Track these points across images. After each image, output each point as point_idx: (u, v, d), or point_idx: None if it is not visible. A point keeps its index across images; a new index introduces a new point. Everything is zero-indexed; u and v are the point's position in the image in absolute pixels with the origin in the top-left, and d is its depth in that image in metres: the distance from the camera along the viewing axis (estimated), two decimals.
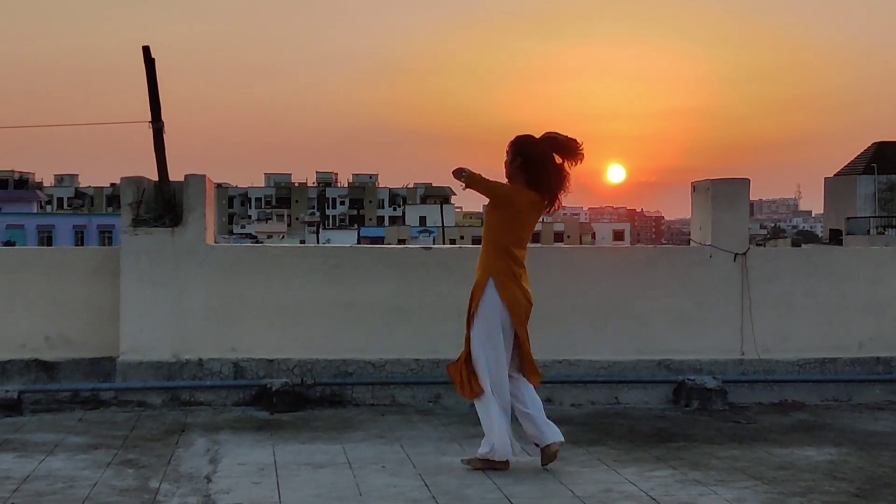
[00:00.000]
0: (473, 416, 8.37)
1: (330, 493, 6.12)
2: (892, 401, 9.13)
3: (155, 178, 9.06)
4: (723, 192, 9.25)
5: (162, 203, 8.89)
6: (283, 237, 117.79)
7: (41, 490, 6.16)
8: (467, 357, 6.81)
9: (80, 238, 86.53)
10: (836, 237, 50.01)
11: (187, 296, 8.87)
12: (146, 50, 8.80)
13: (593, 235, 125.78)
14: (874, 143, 57.60)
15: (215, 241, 9.38)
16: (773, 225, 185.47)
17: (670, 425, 8.20)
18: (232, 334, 8.90)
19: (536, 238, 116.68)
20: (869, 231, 48.44)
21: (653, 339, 9.13)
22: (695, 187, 9.63)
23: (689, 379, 8.90)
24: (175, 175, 9.00)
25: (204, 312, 8.88)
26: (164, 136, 8.94)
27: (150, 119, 8.85)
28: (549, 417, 8.40)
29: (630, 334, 9.08)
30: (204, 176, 8.96)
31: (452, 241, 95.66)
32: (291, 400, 8.61)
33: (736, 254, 9.17)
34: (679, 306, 9.16)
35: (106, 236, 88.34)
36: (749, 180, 9.30)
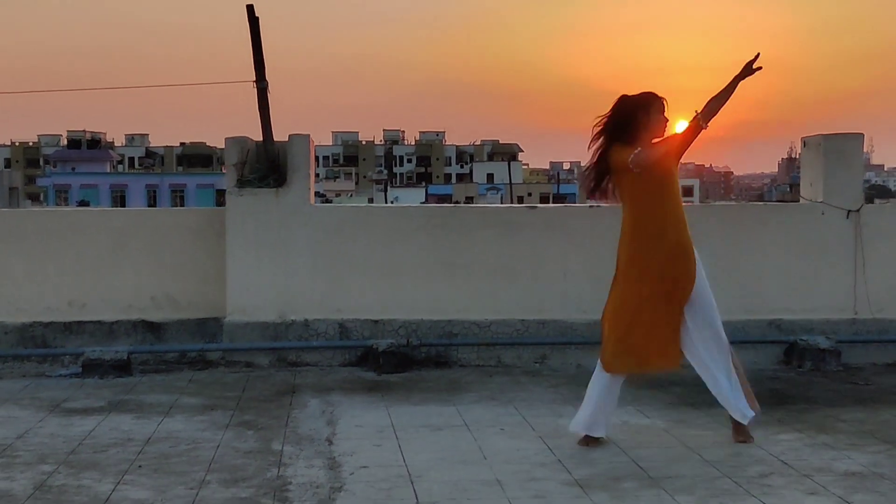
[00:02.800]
0: (581, 377, 8.27)
1: (454, 457, 6.06)
2: None
3: (257, 137, 9.03)
4: (835, 148, 9.01)
5: (266, 163, 8.85)
6: (350, 195, 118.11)
7: (166, 452, 6.17)
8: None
9: (152, 198, 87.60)
10: None
11: (292, 256, 8.85)
12: (250, 9, 8.72)
13: None
14: None
15: None
16: None
17: (786, 387, 8.04)
18: (337, 295, 8.87)
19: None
20: None
21: (763, 298, 8.95)
22: (805, 143, 9.39)
23: (801, 339, 8.71)
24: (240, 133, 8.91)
25: (309, 273, 8.86)
26: (269, 95, 8.88)
27: (254, 78, 8.79)
28: (655, 378, 8.29)
29: (740, 294, 8.89)
30: (308, 136, 8.92)
31: (520, 199, 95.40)
32: (398, 361, 8.58)
33: (849, 210, 8.94)
34: (790, 265, 8.97)
35: (178, 196, 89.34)
36: (863, 135, 9.04)
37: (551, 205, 10.29)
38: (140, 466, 5.86)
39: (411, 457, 6.06)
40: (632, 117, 6.28)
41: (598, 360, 6.39)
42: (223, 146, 9.07)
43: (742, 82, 6.21)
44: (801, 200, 9.41)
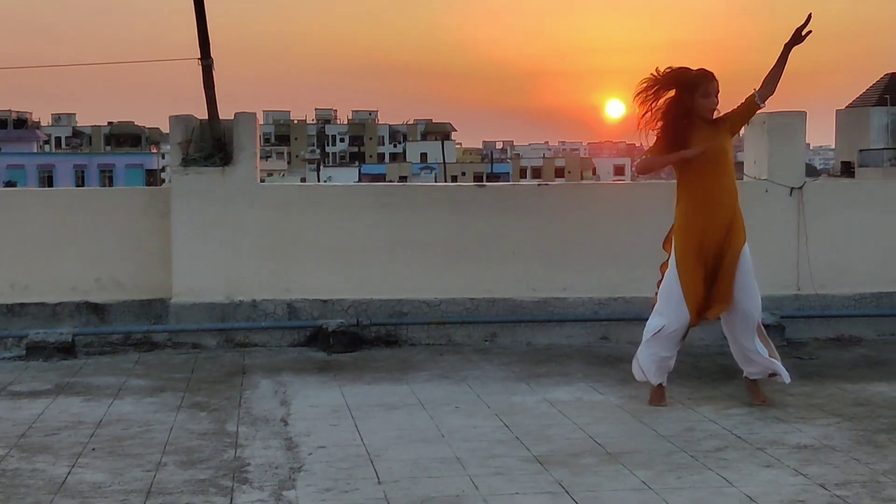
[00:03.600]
0: (532, 355, 8.39)
1: (412, 435, 6.06)
2: None
3: (193, 114, 8.91)
4: (779, 125, 9.10)
5: (211, 142, 8.75)
6: (283, 175, 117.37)
7: (118, 435, 6.10)
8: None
9: (80, 178, 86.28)
10: (847, 169, 49.86)
11: (239, 236, 8.77)
12: None
13: (594, 171, 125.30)
14: (887, 75, 57.27)
15: None
16: None
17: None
18: (285, 275, 8.81)
19: (538, 174, 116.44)
20: (882, 163, 48.30)
21: None
22: (749, 121, 9.46)
23: None
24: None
25: (257, 253, 8.79)
26: (214, 73, 8.77)
27: (198, 56, 8.68)
28: (605, 355, 8.41)
29: None
30: (254, 114, 8.84)
31: (454, 178, 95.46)
32: (348, 340, 8.55)
33: (792, 188, 9.06)
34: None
35: (107, 176, 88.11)
36: (805, 113, 9.15)
37: (501, 183, 10.30)
38: (94, 449, 5.78)
39: (369, 436, 6.04)
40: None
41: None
42: (152, 126, 8.98)
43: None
44: (745, 178, 9.51)
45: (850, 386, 7.25)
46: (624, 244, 8.92)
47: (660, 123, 6.66)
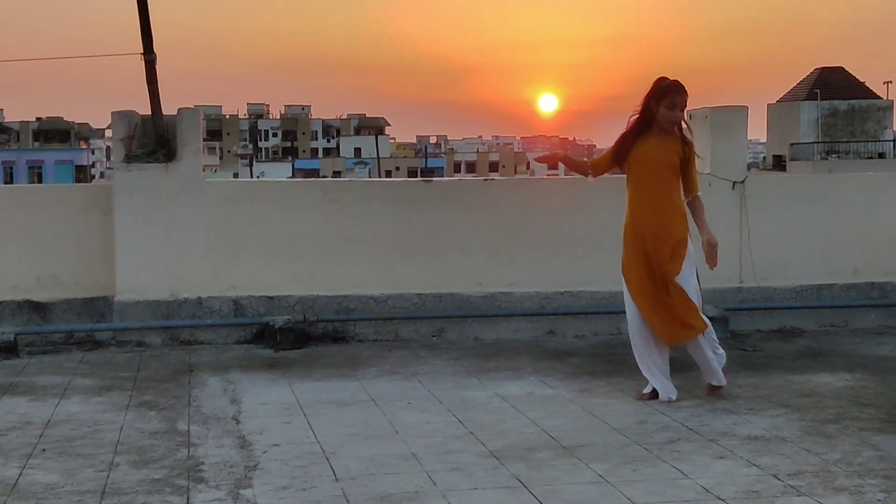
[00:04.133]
0: (480, 350, 8.40)
1: (365, 432, 6.04)
2: (888, 325, 9.23)
3: (144, 111, 8.82)
4: (721, 120, 9.21)
5: (154, 138, 8.65)
6: (215, 170, 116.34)
7: (68, 435, 6.01)
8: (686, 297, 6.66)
9: (9, 175, 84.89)
10: (779, 163, 50.62)
11: (184, 233, 8.68)
12: None
13: (528, 165, 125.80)
14: (816, 69, 58.25)
15: None
16: None
17: (679, 354, 8.12)
18: (231, 272, 8.74)
19: (472, 168, 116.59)
20: (813, 157, 49.13)
21: None
22: (691, 115, 9.53)
23: None
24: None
25: (201, 250, 8.71)
26: (157, 68, 8.67)
27: (141, 51, 8.57)
28: (553, 349, 8.45)
29: None
30: (198, 109, 8.75)
31: (388, 173, 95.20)
32: (295, 337, 8.50)
33: (734, 182, 9.16)
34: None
35: (36, 173, 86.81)
36: (747, 107, 9.27)
37: (447, 178, 10.31)
38: (44, 450, 5.69)
39: (322, 433, 6.01)
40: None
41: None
42: (81, 121, 8.86)
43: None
44: None
45: (796, 377, 7.36)
46: (570, 239, 8.98)
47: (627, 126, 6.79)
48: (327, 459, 5.50)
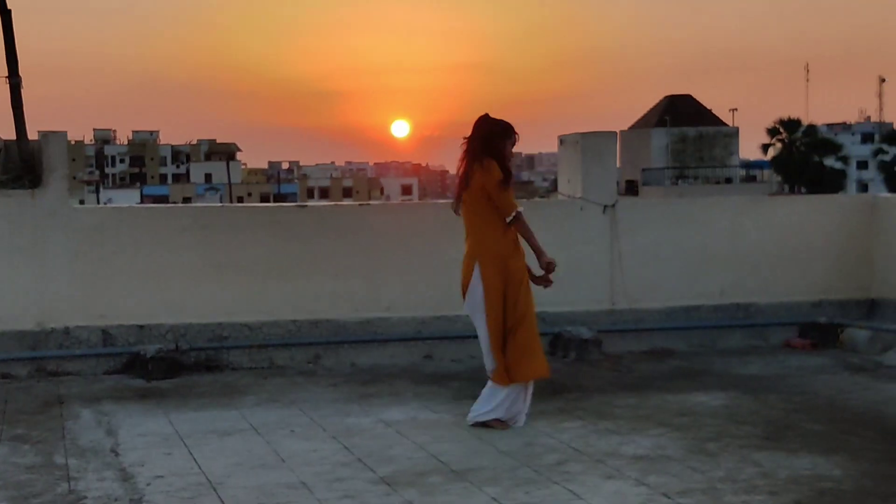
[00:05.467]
0: (358, 376, 8.36)
1: (250, 461, 5.92)
2: (753, 345, 9.50)
3: (8, 136, 8.53)
4: (592, 146, 9.37)
5: (20, 163, 8.37)
6: None
7: None
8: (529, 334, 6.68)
9: None
10: (632, 188, 51.84)
11: (50, 261, 8.40)
12: (1, 2, 8.21)
13: (382, 190, 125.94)
14: (666, 97, 59.99)
15: None
16: (553, 178, 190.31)
17: (557, 377, 8.24)
18: (100, 300, 8.48)
19: (326, 194, 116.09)
20: (664, 181, 50.49)
21: None
22: (562, 140, 9.73)
23: (565, 330, 9.02)
24: None
25: (68, 278, 8.43)
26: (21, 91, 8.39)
27: (6, 74, 8.29)
28: (431, 373, 8.44)
29: None
30: (64, 133, 8.50)
31: (240, 199, 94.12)
32: (167, 367, 8.29)
33: (605, 206, 9.32)
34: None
35: None
36: (616, 133, 9.47)
37: (322, 203, 10.23)
38: None
39: (206, 463, 5.87)
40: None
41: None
42: None
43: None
44: (559, 196, 9.74)
45: (672, 397, 7.50)
46: (445, 262, 8.95)
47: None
48: (215, 490, 5.37)
